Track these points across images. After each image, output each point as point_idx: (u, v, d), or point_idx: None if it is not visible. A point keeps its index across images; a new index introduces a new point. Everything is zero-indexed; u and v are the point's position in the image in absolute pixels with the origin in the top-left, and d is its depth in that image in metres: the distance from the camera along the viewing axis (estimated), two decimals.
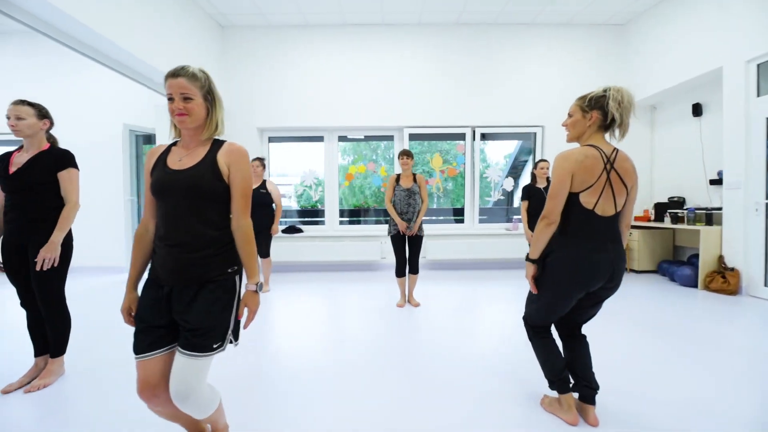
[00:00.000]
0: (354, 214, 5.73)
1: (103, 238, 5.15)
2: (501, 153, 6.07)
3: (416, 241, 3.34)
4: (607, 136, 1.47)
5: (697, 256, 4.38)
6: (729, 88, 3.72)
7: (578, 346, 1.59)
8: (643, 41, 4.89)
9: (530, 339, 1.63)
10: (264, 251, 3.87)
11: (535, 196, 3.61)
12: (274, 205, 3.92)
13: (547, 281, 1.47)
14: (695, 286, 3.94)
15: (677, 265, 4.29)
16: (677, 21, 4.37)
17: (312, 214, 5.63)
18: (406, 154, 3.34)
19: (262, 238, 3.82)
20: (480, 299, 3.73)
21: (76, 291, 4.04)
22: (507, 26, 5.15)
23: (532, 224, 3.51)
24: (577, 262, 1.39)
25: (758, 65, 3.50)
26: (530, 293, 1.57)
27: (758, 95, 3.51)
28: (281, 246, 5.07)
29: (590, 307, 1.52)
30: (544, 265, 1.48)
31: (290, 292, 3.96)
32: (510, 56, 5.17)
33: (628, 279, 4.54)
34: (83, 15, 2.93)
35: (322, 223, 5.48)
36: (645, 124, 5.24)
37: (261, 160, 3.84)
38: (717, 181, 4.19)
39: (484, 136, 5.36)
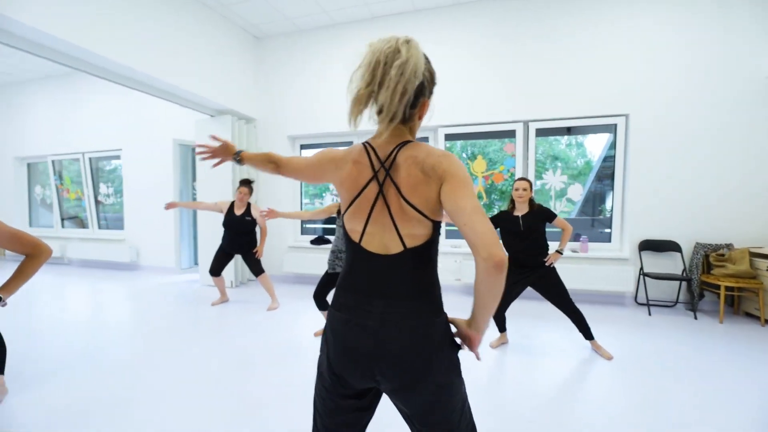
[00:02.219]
0: None
1: (160, 242, 5.74)
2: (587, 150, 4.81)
3: None
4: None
5: None
6: None
7: None
8: None
9: None
10: (255, 269, 3.77)
11: (504, 228, 2.70)
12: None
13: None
14: None
15: None
16: None
17: None
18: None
19: (249, 258, 3.74)
20: (539, 344, 2.86)
21: (135, 287, 4.53)
22: None
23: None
24: (327, 329, 0.94)
25: None
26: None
27: None
28: (306, 257, 4.88)
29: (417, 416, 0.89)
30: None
31: (310, 308, 3.69)
32: (575, 24, 3.97)
33: (759, 336, 3.04)
34: (136, 61, 3.48)
35: None
36: None
37: (248, 185, 3.67)
38: None
39: (538, 133, 4.26)
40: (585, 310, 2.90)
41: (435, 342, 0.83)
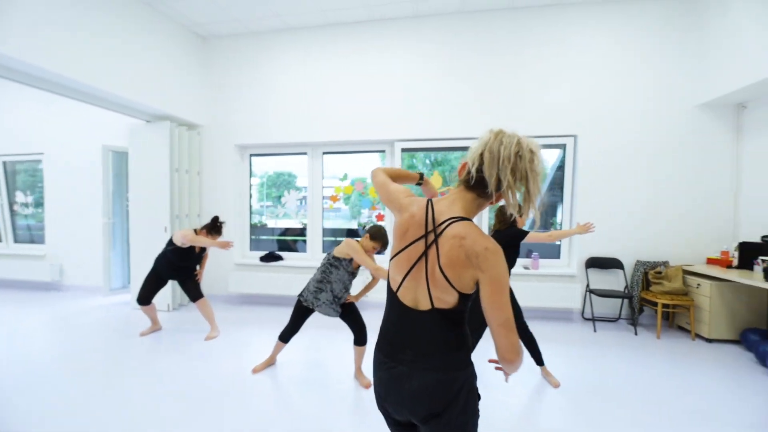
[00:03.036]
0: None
1: (87, 259, 5.13)
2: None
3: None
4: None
5: None
6: None
7: None
8: (727, 11, 3.47)
9: None
10: (194, 294, 3.45)
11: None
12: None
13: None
14: None
15: None
16: None
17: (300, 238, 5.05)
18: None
19: (188, 283, 3.44)
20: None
21: (55, 312, 3.93)
22: (527, 10, 4.05)
23: None
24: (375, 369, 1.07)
25: None
26: None
27: None
28: (256, 276, 4.56)
29: None
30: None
31: (255, 336, 3.39)
32: (531, 49, 4.06)
33: (691, 350, 3.22)
34: (61, 66, 3.10)
35: (304, 250, 4.87)
36: (726, 130, 3.77)
37: (219, 229, 3.38)
38: None
39: None
40: (536, 327, 2.91)
41: (454, 392, 0.92)
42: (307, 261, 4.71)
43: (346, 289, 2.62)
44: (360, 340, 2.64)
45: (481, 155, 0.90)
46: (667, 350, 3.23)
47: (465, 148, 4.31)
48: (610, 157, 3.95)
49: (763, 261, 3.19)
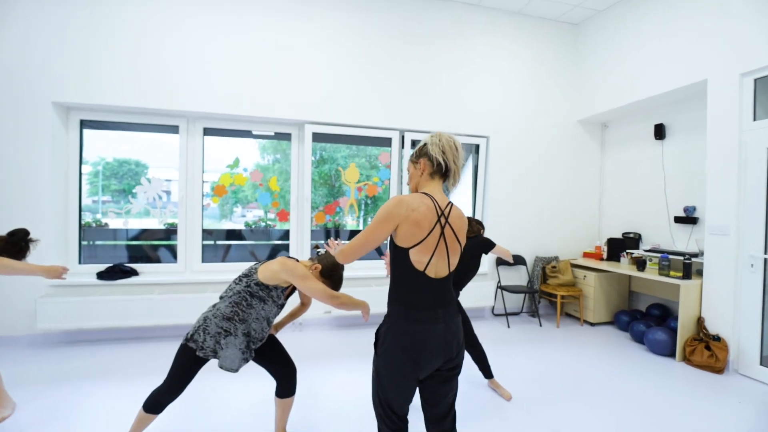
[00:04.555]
0: (228, 248, 3.92)
1: None
2: None
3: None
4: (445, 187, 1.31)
5: (657, 306, 3.65)
6: (716, 107, 2.94)
7: None
8: (598, 47, 4.09)
9: None
10: None
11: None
12: None
13: (381, 359, 1.26)
14: (670, 354, 3.10)
15: (642, 320, 3.46)
16: (642, 23, 3.58)
17: (164, 244, 3.67)
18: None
19: None
20: None
21: None
22: (446, 3, 3.92)
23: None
24: (402, 336, 1.21)
25: (756, 80, 2.74)
26: (374, 372, 1.31)
27: (755, 119, 2.75)
28: (89, 303, 3.05)
29: (439, 386, 1.28)
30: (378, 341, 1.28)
31: (92, 401, 2.06)
32: (451, 45, 3.95)
33: (585, 335, 3.62)
34: None
35: (172, 259, 3.57)
36: (595, 144, 4.48)
37: (23, 247, 1.94)
38: (683, 219, 3.48)
39: (414, 144, 4.04)
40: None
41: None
42: (179, 275, 3.45)
43: (269, 325, 1.81)
44: (287, 387, 1.85)
45: (442, 149, 1.26)
46: (570, 337, 3.54)
47: (383, 140, 3.89)
48: (514, 162, 4.18)
49: (628, 253, 3.84)
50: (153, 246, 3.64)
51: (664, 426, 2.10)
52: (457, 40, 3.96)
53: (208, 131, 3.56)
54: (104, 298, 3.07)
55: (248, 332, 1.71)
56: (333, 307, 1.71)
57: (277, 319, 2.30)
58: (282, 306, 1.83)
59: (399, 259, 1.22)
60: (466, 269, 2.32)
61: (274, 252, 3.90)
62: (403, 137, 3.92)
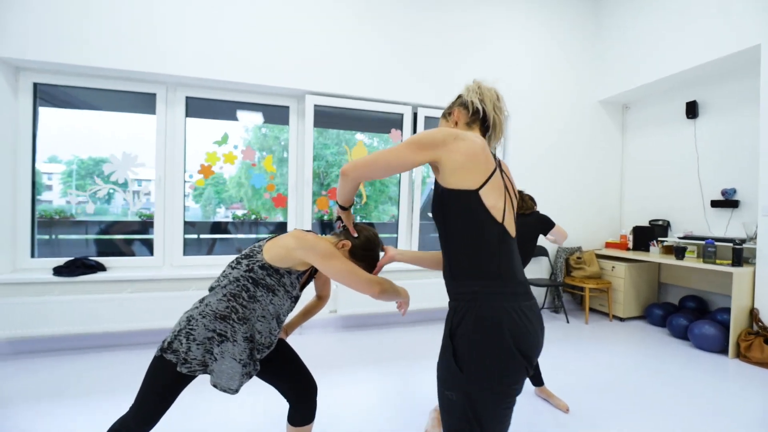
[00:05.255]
0: (213, 243, 3.38)
1: None
2: None
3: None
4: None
5: (692, 298, 3.35)
6: None
7: None
8: (621, 18, 3.79)
9: None
10: None
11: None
12: None
13: (474, 376, 0.83)
14: (721, 350, 2.79)
15: (683, 313, 3.14)
16: None
17: (140, 233, 3.11)
18: None
19: None
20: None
21: None
22: None
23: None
24: (509, 325, 0.84)
25: None
26: (445, 402, 0.89)
27: None
28: (42, 304, 2.47)
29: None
30: (453, 346, 0.87)
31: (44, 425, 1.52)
32: (466, 19, 3.55)
33: (619, 332, 3.28)
34: None
35: (149, 253, 3.02)
36: (615, 127, 4.19)
37: None
38: (722, 203, 3.20)
39: (428, 124, 3.62)
40: None
41: None
42: (155, 270, 2.90)
43: (280, 325, 1.34)
44: (304, 412, 1.38)
45: (480, 96, 1.04)
46: (604, 335, 3.19)
47: (392, 120, 3.45)
48: (532, 147, 3.83)
49: (659, 241, 3.54)
50: (126, 240, 3.07)
51: (724, 427, 1.76)
52: (472, 14, 3.57)
53: (191, 109, 3.03)
54: (62, 298, 2.49)
55: (251, 336, 1.23)
56: (373, 298, 1.25)
57: (288, 318, 1.83)
58: (296, 299, 1.37)
59: (467, 208, 0.88)
60: (524, 255, 1.91)
61: None
62: (415, 115, 3.49)
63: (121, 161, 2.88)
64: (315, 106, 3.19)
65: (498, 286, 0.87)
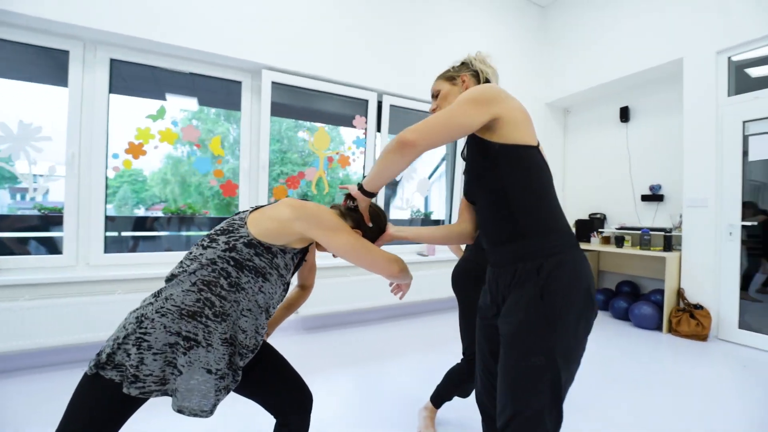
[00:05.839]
0: (136, 242, 2.83)
1: None
2: None
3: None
4: None
5: (627, 283, 3.73)
6: (693, 85, 3.05)
7: None
8: (564, 30, 4.12)
9: None
10: None
11: None
12: None
13: (559, 328, 0.83)
14: (656, 327, 3.11)
15: (621, 297, 3.46)
16: (611, 5, 3.66)
17: (45, 228, 2.44)
18: None
19: None
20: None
21: None
22: None
23: None
24: (586, 276, 0.87)
25: (729, 58, 2.89)
26: (529, 372, 0.83)
27: (729, 95, 2.90)
28: None
29: None
30: (544, 305, 0.83)
31: None
32: (429, 12, 3.52)
33: None
34: None
35: (58, 251, 2.40)
36: (558, 129, 4.52)
37: None
38: (650, 197, 3.61)
39: (395, 112, 3.49)
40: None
41: None
42: (66, 271, 2.31)
43: (264, 323, 1.06)
44: (299, 431, 1.14)
45: (485, 64, 1.13)
46: None
47: (357, 100, 3.26)
48: None
49: (599, 232, 3.87)
50: (21, 240, 2.40)
51: (671, 396, 1.99)
52: (435, 7, 3.56)
53: (117, 64, 2.49)
54: None
55: (232, 337, 0.97)
56: (389, 278, 1.07)
57: None
58: (288, 286, 1.13)
59: (534, 164, 0.90)
60: None
61: None
62: (380, 103, 3.35)
63: (17, 133, 2.24)
64: (273, 83, 2.86)
65: (571, 237, 0.90)
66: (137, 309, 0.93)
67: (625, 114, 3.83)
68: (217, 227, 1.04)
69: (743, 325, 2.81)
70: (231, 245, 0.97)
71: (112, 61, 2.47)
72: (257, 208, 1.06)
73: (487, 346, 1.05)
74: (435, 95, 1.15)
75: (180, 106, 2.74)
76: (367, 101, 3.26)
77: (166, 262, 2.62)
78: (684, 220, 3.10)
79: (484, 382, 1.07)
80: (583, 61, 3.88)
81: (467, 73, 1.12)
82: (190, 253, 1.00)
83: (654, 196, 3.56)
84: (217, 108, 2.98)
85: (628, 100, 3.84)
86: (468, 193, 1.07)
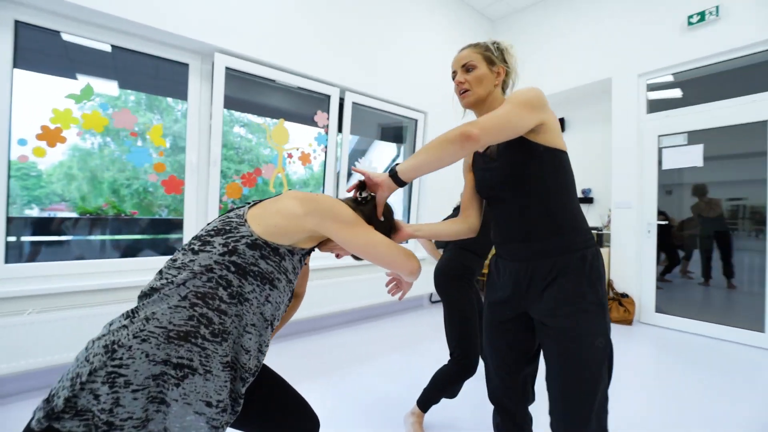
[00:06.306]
0: (38, 249, 2.32)
1: None
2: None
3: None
4: None
5: None
6: (620, 102, 3.49)
7: None
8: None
9: None
10: None
11: None
12: None
13: (606, 312, 0.95)
14: None
15: None
16: (550, 25, 4.04)
17: None
18: None
19: None
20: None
21: None
22: None
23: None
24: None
25: (646, 82, 3.36)
26: (597, 355, 0.90)
27: (647, 112, 3.37)
28: None
29: None
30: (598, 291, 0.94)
31: None
32: (391, 11, 3.51)
33: None
34: None
35: None
36: None
37: None
38: (582, 200, 4.04)
39: (356, 108, 3.38)
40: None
41: None
42: None
43: (268, 340, 0.89)
44: None
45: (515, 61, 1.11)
46: None
47: (319, 95, 3.11)
48: None
49: None
50: None
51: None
52: (397, 5, 3.55)
53: (22, 60, 2.01)
54: None
55: (234, 359, 0.82)
56: (406, 277, 1.00)
57: None
58: (293, 293, 1.00)
59: (568, 167, 0.99)
60: None
61: (133, 251, 2.50)
62: (342, 100, 3.22)
63: None
64: (227, 69, 2.57)
65: (591, 232, 1.01)
66: (103, 336, 0.73)
67: (561, 125, 4.24)
68: (208, 227, 0.88)
69: (659, 309, 3.29)
70: (231, 247, 0.81)
71: (18, 24, 1.98)
72: (256, 203, 0.91)
73: (504, 342, 1.05)
74: (467, 68, 1.04)
75: (98, 89, 2.28)
76: (329, 96, 3.11)
77: (89, 272, 2.18)
78: (612, 220, 3.52)
79: (503, 378, 1.06)
80: (528, 73, 4.20)
81: (504, 66, 1.07)
82: (174, 260, 0.83)
83: (585, 199, 4.00)
84: (147, 93, 2.55)
85: (565, 111, 4.27)
86: (492, 190, 1.05)
